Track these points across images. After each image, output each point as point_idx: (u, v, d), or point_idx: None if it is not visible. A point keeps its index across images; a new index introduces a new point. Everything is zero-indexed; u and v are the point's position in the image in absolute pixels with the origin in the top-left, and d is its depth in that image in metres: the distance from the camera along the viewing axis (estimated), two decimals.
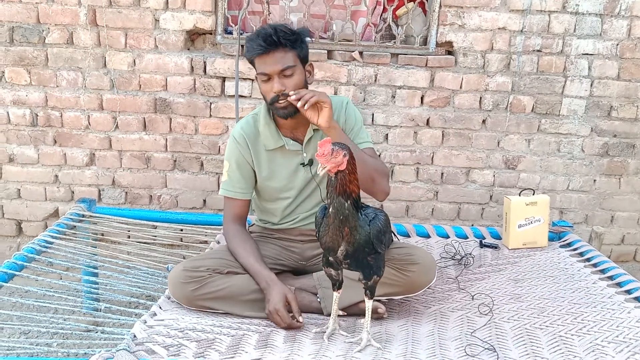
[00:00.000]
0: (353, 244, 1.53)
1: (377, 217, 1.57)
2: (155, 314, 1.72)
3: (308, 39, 1.83)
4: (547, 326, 1.77)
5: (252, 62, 1.81)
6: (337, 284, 1.69)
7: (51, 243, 2.15)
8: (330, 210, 1.52)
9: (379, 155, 2.61)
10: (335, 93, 2.72)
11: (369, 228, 1.54)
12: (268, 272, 1.80)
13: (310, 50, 2.63)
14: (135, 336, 1.57)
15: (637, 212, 2.92)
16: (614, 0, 2.63)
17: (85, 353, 1.75)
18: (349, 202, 1.49)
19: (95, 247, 2.40)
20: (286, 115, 1.80)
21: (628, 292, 1.97)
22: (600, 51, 2.70)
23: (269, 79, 1.76)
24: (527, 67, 2.72)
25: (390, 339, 1.70)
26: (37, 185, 2.82)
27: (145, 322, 1.66)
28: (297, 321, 1.71)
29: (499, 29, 2.66)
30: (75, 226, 2.35)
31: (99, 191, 2.83)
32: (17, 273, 1.89)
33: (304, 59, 1.82)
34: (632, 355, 1.58)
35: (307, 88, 1.83)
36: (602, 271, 2.15)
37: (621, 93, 2.75)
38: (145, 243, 2.41)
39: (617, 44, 2.69)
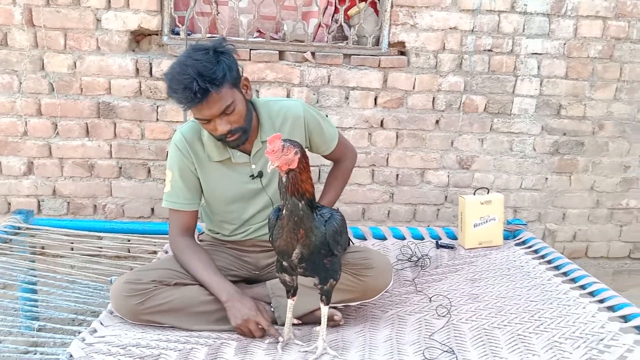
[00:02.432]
0: (309, 246, 1.46)
1: (332, 217, 1.51)
2: (95, 331, 1.60)
3: (233, 54, 1.63)
4: (505, 325, 1.75)
5: None
6: (291, 291, 1.62)
7: None
8: (283, 211, 1.45)
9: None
10: (288, 95, 2.65)
11: (325, 229, 1.47)
12: (230, 284, 1.71)
13: (261, 51, 2.61)
14: (71, 356, 1.45)
15: (587, 208, 2.97)
16: (560, 0, 2.67)
17: None
18: (302, 202, 1.43)
19: (34, 262, 2.24)
20: (239, 145, 1.71)
21: (582, 287, 1.98)
22: (549, 50, 2.74)
23: (210, 121, 1.63)
24: (479, 67, 2.73)
25: (347, 346, 1.63)
26: None
27: (84, 339, 1.54)
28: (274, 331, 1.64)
29: (450, 28, 2.66)
30: (10, 239, 2.19)
31: (39, 202, 2.67)
32: None
33: (236, 82, 1.64)
34: (589, 351, 1.57)
35: (249, 105, 1.73)
36: (557, 267, 2.16)
37: (569, 92, 2.80)
38: (89, 255, 2.27)
39: (565, 44, 2.74)
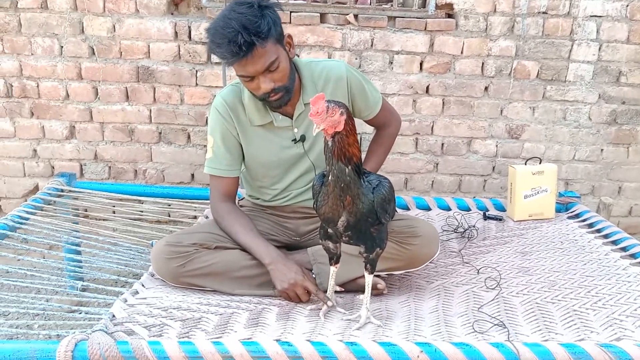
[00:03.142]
0: (355, 214, 1.39)
1: (381, 184, 1.43)
2: (137, 292, 1.59)
3: (276, 9, 1.57)
4: (559, 300, 1.65)
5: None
6: (334, 258, 1.56)
7: (27, 219, 2.00)
8: (329, 177, 1.38)
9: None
10: (329, 58, 2.56)
11: (373, 196, 1.40)
12: (273, 247, 1.67)
13: (302, 14, 2.52)
14: (114, 316, 1.44)
15: None
16: None
17: (67, 334, 1.63)
18: (349, 167, 1.35)
19: (77, 224, 2.26)
20: (281, 105, 1.64)
21: None
22: (609, 13, 2.55)
23: (253, 78, 1.56)
24: (532, 31, 2.57)
25: (391, 315, 1.58)
26: (14, 160, 2.66)
27: (126, 300, 1.53)
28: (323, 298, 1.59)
29: None
30: (54, 201, 2.21)
31: (81, 166, 2.68)
32: None
33: (280, 38, 1.57)
34: None
35: (292, 65, 1.65)
36: (614, 242, 2.04)
37: (631, 57, 2.61)
38: (130, 219, 2.27)
39: (627, 5, 2.54)
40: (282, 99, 1.62)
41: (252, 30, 1.46)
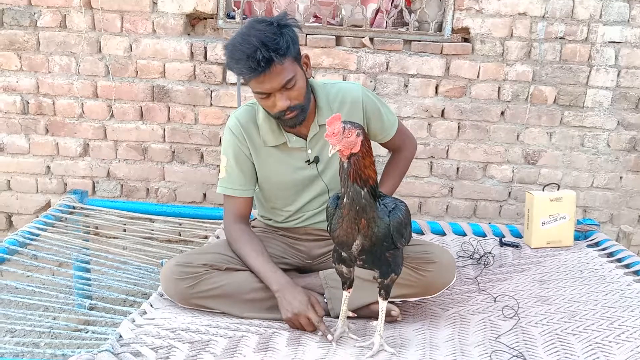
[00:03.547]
0: (371, 237, 1.35)
1: (397, 207, 1.39)
2: (145, 312, 1.56)
3: (295, 28, 1.57)
4: (580, 332, 1.59)
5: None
6: (347, 283, 1.52)
7: (37, 235, 1.99)
8: (344, 200, 1.34)
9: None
10: (344, 80, 2.55)
11: (389, 219, 1.36)
12: (282, 274, 1.63)
13: (317, 36, 2.52)
14: (121, 336, 1.41)
15: None
16: None
17: (73, 353, 1.60)
18: (365, 189, 1.32)
19: (88, 241, 2.24)
20: (296, 124, 1.62)
21: None
22: (628, 39, 2.52)
23: (269, 96, 1.55)
24: (549, 56, 2.54)
25: (405, 343, 1.52)
26: (28, 176, 2.67)
27: (134, 320, 1.49)
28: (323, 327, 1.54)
29: (519, 14, 2.49)
30: (65, 218, 2.19)
31: (93, 183, 2.67)
32: None
33: (298, 57, 1.57)
34: None
35: (308, 85, 1.64)
36: (636, 272, 1.97)
37: None
38: (141, 237, 2.25)
39: None
40: (297, 117, 1.60)
41: (271, 47, 1.46)
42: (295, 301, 1.56)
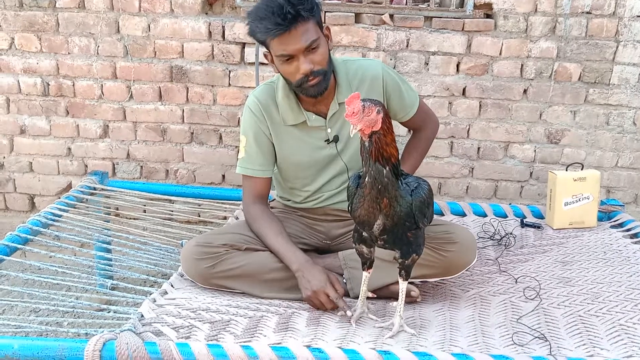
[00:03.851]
0: (392, 217, 1.34)
1: (420, 186, 1.38)
2: (166, 292, 1.57)
3: None
4: (603, 313, 1.57)
5: (263, 42, 1.55)
6: (367, 263, 1.51)
7: (59, 216, 2.01)
8: (366, 179, 1.33)
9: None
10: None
11: (411, 199, 1.34)
12: (301, 253, 1.63)
13: (336, 14, 2.48)
14: (142, 316, 1.43)
15: None
16: None
17: (96, 333, 1.63)
18: (387, 168, 1.30)
19: (109, 222, 2.26)
20: (318, 93, 1.59)
21: None
22: None
23: (292, 59, 1.53)
24: (575, 31, 2.47)
25: (425, 324, 1.52)
26: (49, 158, 2.70)
27: (155, 300, 1.51)
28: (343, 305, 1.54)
29: None
30: (86, 199, 2.22)
31: (113, 165, 2.70)
32: (19, 246, 1.77)
33: (320, 24, 1.58)
34: None
35: (330, 53, 1.62)
36: None
37: None
38: (161, 218, 2.27)
39: None
40: (320, 85, 1.58)
41: (297, 3, 1.46)
42: (315, 279, 1.56)
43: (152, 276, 1.97)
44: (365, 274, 1.53)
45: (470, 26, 2.47)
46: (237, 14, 2.51)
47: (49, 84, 2.59)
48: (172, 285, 1.62)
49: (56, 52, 2.55)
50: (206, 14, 2.52)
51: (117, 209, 2.58)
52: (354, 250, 1.53)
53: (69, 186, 2.70)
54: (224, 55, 2.53)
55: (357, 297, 1.57)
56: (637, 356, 1.34)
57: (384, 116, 1.28)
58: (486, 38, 2.48)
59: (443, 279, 1.69)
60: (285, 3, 1.45)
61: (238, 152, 1.78)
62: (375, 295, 1.63)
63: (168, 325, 1.39)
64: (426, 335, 1.46)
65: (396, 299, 1.51)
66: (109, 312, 1.68)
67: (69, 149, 2.68)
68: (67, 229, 2.02)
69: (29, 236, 1.83)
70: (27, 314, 2.28)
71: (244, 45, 2.51)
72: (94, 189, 2.28)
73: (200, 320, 1.44)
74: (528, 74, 2.52)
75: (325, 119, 1.71)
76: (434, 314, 1.59)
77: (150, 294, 1.56)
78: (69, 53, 2.55)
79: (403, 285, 1.48)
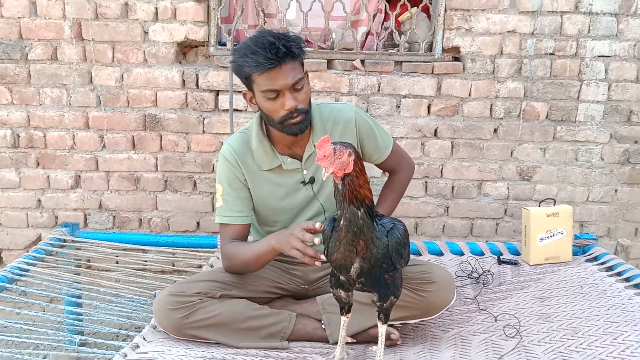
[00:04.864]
0: (369, 259, 1.33)
1: (395, 227, 1.37)
2: (137, 346, 1.51)
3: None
4: (584, 349, 1.55)
5: (248, 78, 1.57)
6: (345, 307, 1.49)
7: (27, 270, 1.95)
8: (341, 222, 1.32)
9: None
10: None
11: (387, 240, 1.34)
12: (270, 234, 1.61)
13: (309, 60, 2.53)
14: None
15: None
16: None
17: None
18: (362, 210, 1.30)
19: (79, 275, 2.20)
20: (300, 131, 1.60)
21: None
22: (617, 52, 2.54)
23: (278, 96, 1.55)
24: (540, 72, 2.56)
25: None
26: (18, 210, 2.64)
27: (126, 355, 1.45)
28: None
29: (508, 32, 2.51)
30: (56, 252, 2.15)
31: (85, 215, 2.64)
32: None
33: (303, 67, 1.62)
34: None
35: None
36: (637, 286, 1.94)
37: None
38: (134, 269, 2.21)
39: (635, 45, 2.54)
40: (302, 123, 1.59)
41: (287, 40, 1.52)
42: (286, 231, 1.52)
43: (125, 329, 1.90)
44: (343, 318, 1.50)
45: (440, 69, 2.54)
46: (211, 62, 2.54)
47: (19, 136, 2.56)
48: (144, 338, 1.56)
49: (27, 104, 2.54)
50: (180, 62, 2.54)
51: (89, 260, 2.50)
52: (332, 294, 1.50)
53: (39, 239, 2.63)
54: (197, 103, 2.55)
55: (336, 343, 1.53)
56: None
57: (355, 158, 1.29)
58: (455, 80, 2.55)
59: (423, 320, 1.67)
60: (277, 40, 1.51)
61: (214, 199, 1.76)
62: (355, 340, 1.61)
63: None
64: None
65: (376, 342, 1.48)
66: None
67: (39, 200, 2.63)
68: (34, 284, 1.95)
69: None
70: None
71: (217, 92, 2.54)
72: (64, 240, 2.22)
73: None
74: (497, 113, 2.59)
75: (301, 161, 1.71)
76: (414, 356, 1.55)
77: (122, 349, 1.50)
78: (40, 104, 2.54)
79: (382, 329, 1.45)
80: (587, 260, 2.22)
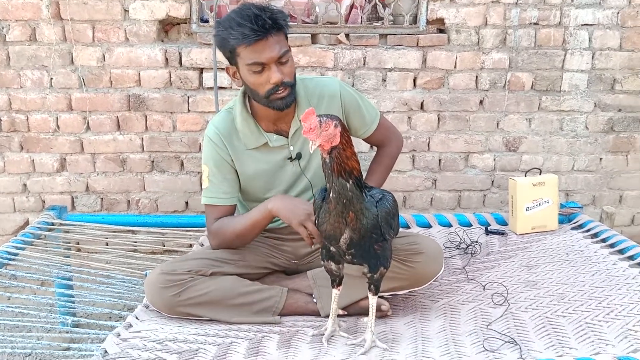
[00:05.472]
0: (359, 230, 1.34)
1: (384, 197, 1.38)
2: (130, 325, 1.52)
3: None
4: (570, 313, 1.59)
5: (232, 52, 1.54)
6: (337, 280, 1.50)
7: (16, 255, 1.94)
8: (330, 194, 1.33)
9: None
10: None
11: (377, 210, 1.35)
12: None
13: (293, 35, 2.50)
14: (106, 352, 1.38)
15: None
16: None
17: None
18: (350, 181, 1.31)
19: (69, 257, 2.19)
20: (285, 105, 1.59)
21: None
22: (601, 21, 2.54)
23: (263, 69, 1.53)
24: (524, 42, 2.55)
25: (397, 338, 1.51)
26: (4, 196, 2.61)
27: (119, 334, 1.46)
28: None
29: (492, 2, 2.50)
30: (44, 235, 2.14)
31: (72, 199, 2.62)
32: None
33: (287, 40, 1.61)
34: None
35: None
36: (621, 251, 1.99)
37: (624, 64, 2.60)
38: (124, 250, 2.20)
39: (618, 13, 2.54)
40: (289, 97, 1.59)
41: (273, 13, 1.51)
42: (299, 204, 1.56)
43: (117, 310, 1.91)
44: (335, 291, 1.52)
45: (425, 41, 2.53)
46: (194, 39, 2.50)
47: (1, 120, 2.52)
48: (136, 318, 1.57)
49: (8, 87, 2.49)
50: (162, 41, 2.50)
51: (78, 243, 2.50)
52: (323, 268, 1.51)
53: (26, 223, 2.61)
54: (182, 82, 2.52)
55: (327, 316, 1.55)
56: (604, 353, 1.36)
57: (341, 130, 1.29)
58: (440, 52, 2.54)
59: (412, 291, 1.69)
60: (262, 12, 1.49)
61: (201, 179, 1.75)
62: (346, 313, 1.63)
63: None
64: (398, 349, 1.45)
65: (367, 314, 1.50)
66: (71, 350, 1.62)
67: (25, 185, 2.60)
68: (24, 268, 1.95)
69: None
70: None
71: (201, 70, 2.51)
72: (52, 224, 2.21)
73: (167, 352, 1.40)
74: (483, 85, 2.59)
75: (287, 137, 1.71)
76: (405, 326, 1.58)
77: (115, 328, 1.51)
78: (21, 87, 2.49)
79: (373, 300, 1.47)
80: (573, 228, 2.26)
